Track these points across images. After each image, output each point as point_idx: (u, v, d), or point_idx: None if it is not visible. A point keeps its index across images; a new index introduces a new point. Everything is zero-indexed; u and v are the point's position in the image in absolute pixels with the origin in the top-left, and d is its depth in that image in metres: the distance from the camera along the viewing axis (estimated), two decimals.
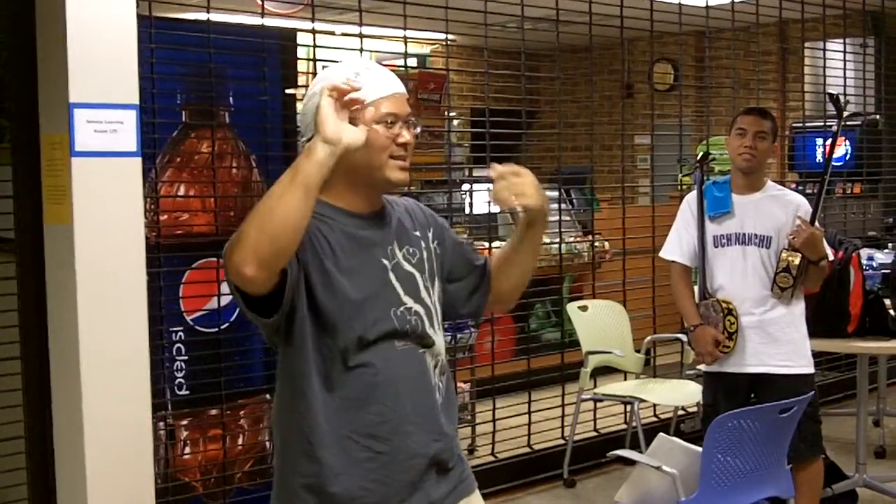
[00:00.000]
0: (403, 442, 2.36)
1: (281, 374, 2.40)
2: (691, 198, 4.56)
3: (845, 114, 4.78)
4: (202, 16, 4.71)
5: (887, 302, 5.14)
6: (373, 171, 2.36)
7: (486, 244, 5.89)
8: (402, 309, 2.38)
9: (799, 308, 4.44)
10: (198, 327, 4.62)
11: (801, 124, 8.44)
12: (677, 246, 4.57)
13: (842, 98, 4.84)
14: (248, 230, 2.09)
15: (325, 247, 2.29)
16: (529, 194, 2.40)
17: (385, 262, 2.39)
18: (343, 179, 2.35)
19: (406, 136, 2.38)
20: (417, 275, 2.45)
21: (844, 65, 8.04)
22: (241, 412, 4.81)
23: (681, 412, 6.41)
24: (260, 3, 5.02)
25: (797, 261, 4.29)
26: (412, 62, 6.96)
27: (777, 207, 4.41)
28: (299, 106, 5.52)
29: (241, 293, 2.21)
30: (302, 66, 5.25)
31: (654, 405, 6.40)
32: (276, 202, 2.10)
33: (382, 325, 2.35)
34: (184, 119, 4.60)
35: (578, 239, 8.09)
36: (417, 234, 2.50)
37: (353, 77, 2.30)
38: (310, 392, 2.32)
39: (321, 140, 2.17)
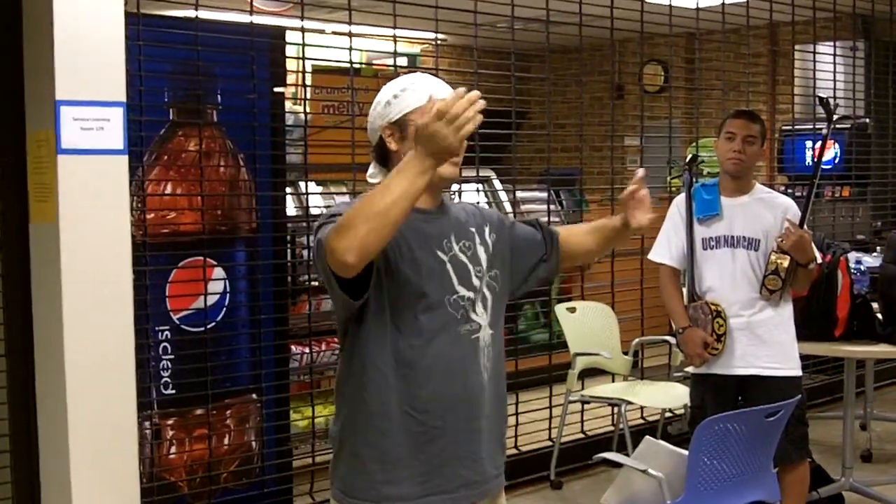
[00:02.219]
0: (455, 419, 2.61)
1: (349, 351, 2.64)
2: (680, 200, 4.56)
3: (835, 117, 4.78)
4: (190, 13, 4.68)
5: (875, 306, 5.14)
6: None
7: None
8: (455, 297, 2.63)
9: (787, 310, 4.44)
10: (184, 326, 4.61)
11: (790, 127, 8.45)
12: (666, 248, 4.56)
13: (831, 101, 4.83)
14: (358, 225, 2.32)
15: (393, 240, 2.49)
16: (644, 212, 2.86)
17: (442, 254, 2.64)
18: None
19: None
20: (471, 266, 2.69)
21: (834, 67, 8.05)
22: (227, 412, 4.79)
23: (668, 415, 6.41)
24: (249, 0, 5.00)
25: (786, 263, 4.29)
26: (402, 61, 6.94)
27: (765, 210, 4.42)
28: (288, 104, 5.52)
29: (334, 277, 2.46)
30: (291, 64, 5.23)
31: (642, 407, 6.40)
32: (392, 207, 2.33)
33: (439, 312, 2.60)
34: (171, 117, 4.59)
35: None
36: (473, 230, 2.75)
37: (399, 93, 2.60)
38: (374, 370, 2.58)
39: (430, 155, 2.35)
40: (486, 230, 2.79)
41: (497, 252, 2.78)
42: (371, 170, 2.70)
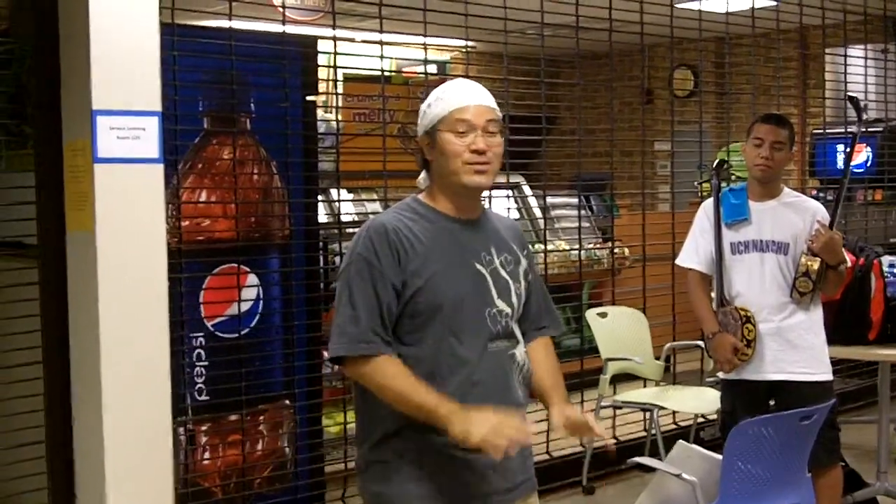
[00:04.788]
0: None
1: None
2: (708, 205, 4.55)
3: (864, 116, 4.76)
4: (224, 23, 4.73)
5: None
6: (451, 177, 2.60)
7: None
8: (494, 311, 2.61)
9: (818, 314, 4.42)
10: (218, 333, 4.64)
11: (821, 130, 8.40)
12: (694, 253, 4.55)
13: (861, 100, 4.80)
14: (378, 391, 2.53)
15: (424, 250, 2.54)
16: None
17: (480, 265, 2.62)
18: (441, 187, 2.64)
19: (479, 143, 2.56)
20: (511, 282, 2.68)
21: (865, 70, 8.01)
22: (261, 418, 4.82)
23: (700, 420, 6.39)
24: (281, 10, 5.03)
25: (816, 265, 4.28)
26: (432, 69, 6.97)
27: (794, 214, 4.40)
28: (320, 112, 5.55)
29: None
30: (322, 73, 5.27)
31: (674, 412, 6.38)
32: (399, 406, 2.51)
33: (476, 325, 2.58)
34: (205, 126, 4.63)
35: (598, 245, 8.08)
36: (515, 247, 2.73)
37: (433, 102, 2.61)
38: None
39: (462, 431, 2.46)
40: (525, 253, 2.78)
41: (527, 277, 2.78)
42: (420, 176, 2.72)
